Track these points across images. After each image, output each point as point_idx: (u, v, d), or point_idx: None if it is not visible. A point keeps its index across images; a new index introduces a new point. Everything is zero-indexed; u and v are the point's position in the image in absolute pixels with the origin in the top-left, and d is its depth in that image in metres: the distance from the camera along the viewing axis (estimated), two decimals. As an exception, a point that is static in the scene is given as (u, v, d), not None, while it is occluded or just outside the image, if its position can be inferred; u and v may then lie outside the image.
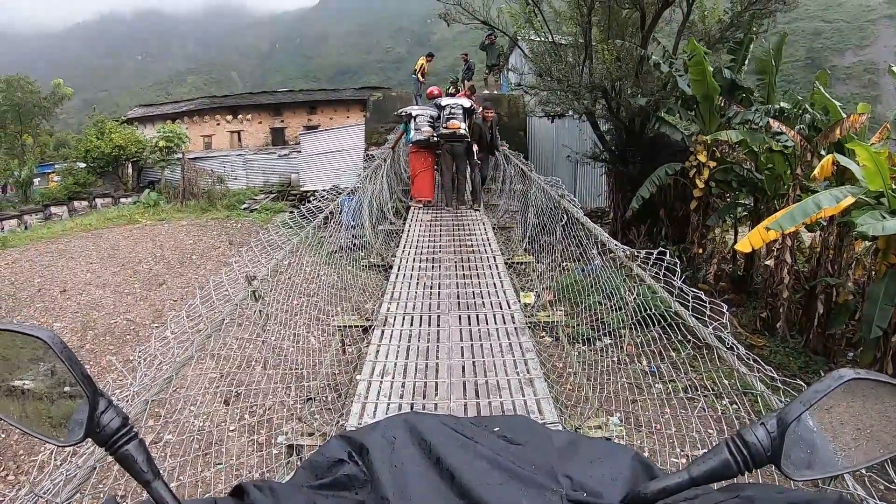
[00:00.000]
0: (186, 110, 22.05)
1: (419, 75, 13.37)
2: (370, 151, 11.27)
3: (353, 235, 6.84)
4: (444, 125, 7.83)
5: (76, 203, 17.68)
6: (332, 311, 4.71)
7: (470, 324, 4.26)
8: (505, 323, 4.27)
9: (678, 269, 2.75)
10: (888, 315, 5.34)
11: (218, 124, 21.72)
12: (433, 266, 5.72)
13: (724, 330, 2.25)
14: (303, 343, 3.94)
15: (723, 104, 8.65)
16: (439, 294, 4.93)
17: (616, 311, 3.90)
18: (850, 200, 5.56)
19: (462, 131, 7.83)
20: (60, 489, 1.44)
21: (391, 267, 5.84)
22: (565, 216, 5.18)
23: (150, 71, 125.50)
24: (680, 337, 2.74)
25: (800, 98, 8.72)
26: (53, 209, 17.09)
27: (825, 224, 6.72)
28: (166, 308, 8.13)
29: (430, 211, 8.25)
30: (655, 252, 3.02)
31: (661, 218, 9.68)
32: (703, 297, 2.47)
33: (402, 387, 3.37)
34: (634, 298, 3.32)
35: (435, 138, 8.04)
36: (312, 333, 4.51)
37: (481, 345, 3.90)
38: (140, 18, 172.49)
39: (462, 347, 3.88)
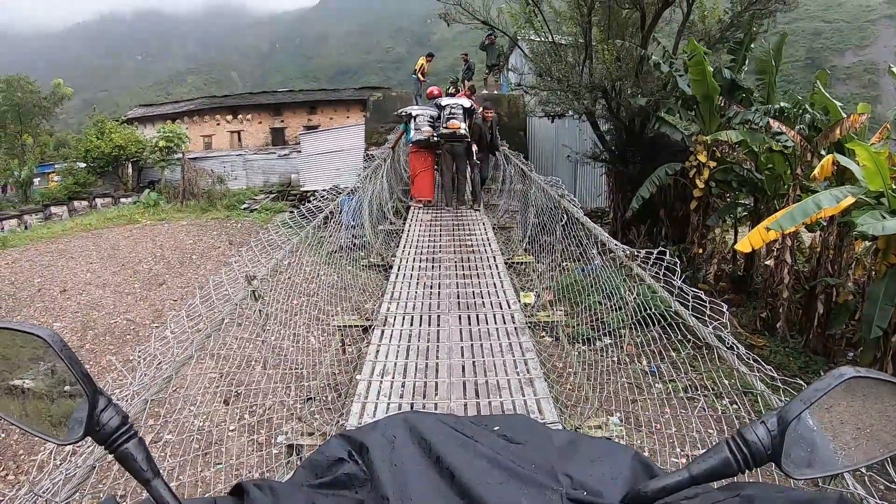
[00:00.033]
0: (186, 110, 22.04)
1: (419, 75, 13.37)
2: (370, 151, 11.28)
3: (353, 235, 6.84)
4: (444, 125, 7.84)
5: (76, 203, 17.67)
6: (332, 311, 4.71)
7: (470, 324, 4.26)
8: (505, 323, 4.27)
9: (678, 269, 2.75)
10: (888, 315, 5.34)
11: (218, 124, 21.72)
12: (433, 266, 5.72)
13: (724, 330, 2.25)
14: (303, 343, 3.94)
15: (723, 104, 8.64)
16: (439, 294, 4.93)
17: (616, 310, 3.90)
18: (850, 200, 5.55)
19: (462, 131, 7.83)
20: (60, 488, 1.44)
21: (391, 267, 5.84)
22: (565, 216, 5.18)
23: (150, 71, 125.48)
24: (680, 337, 2.73)
25: (800, 98, 8.72)
26: (53, 209, 17.09)
27: (825, 224, 6.72)
28: (166, 308, 8.13)
29: (430, 211, 8.25)
30: (655, 252, 3.01)
31: (661, 218, 9.68)
32: (703, 296, 2.47)
33: (402, 386, 3.37)
34: (634, 298, 3.32)
35: (435, 138, 8.04)
36: (312, 333, 4.51)
37: (481, 345, 3.90)
38: (140, 18, 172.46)
39: (462, 347, 3.88)
